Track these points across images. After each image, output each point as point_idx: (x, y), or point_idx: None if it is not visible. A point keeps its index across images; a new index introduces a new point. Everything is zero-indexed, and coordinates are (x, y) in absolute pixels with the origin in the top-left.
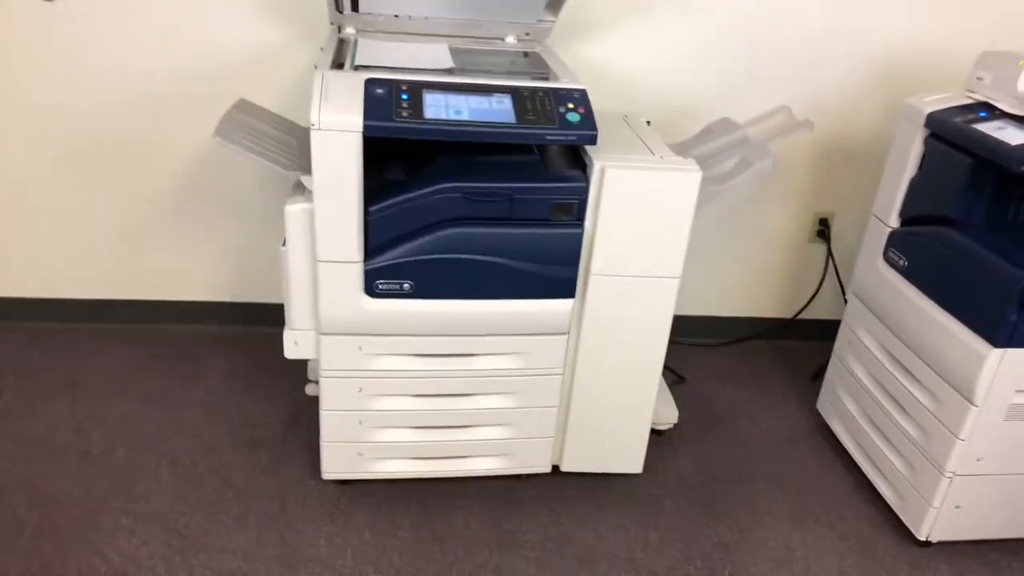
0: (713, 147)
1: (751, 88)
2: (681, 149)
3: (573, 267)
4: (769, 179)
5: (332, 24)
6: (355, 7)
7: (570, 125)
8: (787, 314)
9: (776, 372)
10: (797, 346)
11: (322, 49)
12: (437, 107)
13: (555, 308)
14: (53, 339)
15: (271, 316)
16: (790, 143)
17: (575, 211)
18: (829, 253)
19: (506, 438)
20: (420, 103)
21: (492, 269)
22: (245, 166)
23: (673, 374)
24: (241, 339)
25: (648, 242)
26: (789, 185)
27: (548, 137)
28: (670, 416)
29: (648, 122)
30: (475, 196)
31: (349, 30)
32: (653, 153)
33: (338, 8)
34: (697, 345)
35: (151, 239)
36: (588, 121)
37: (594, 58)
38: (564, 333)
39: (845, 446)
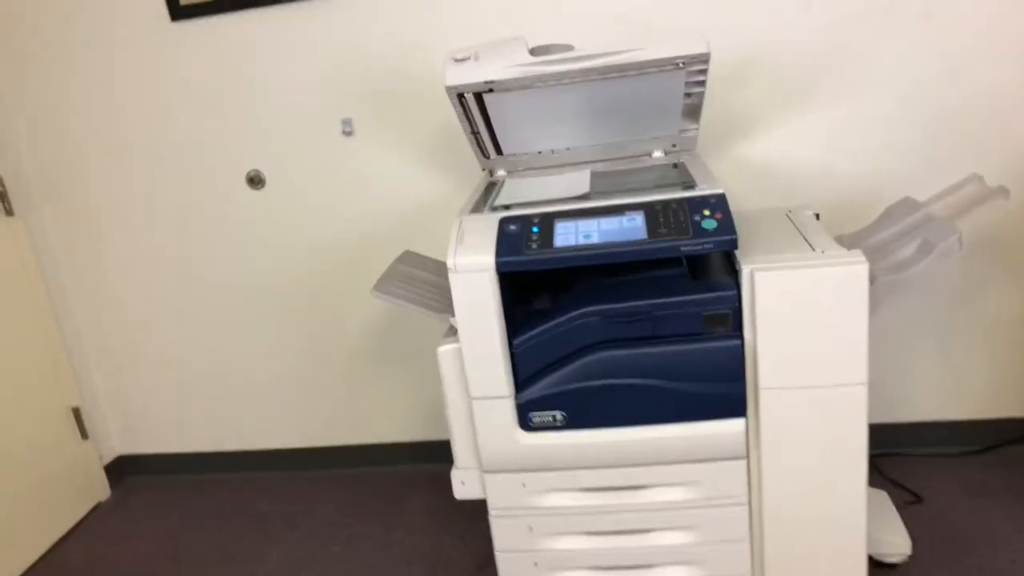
0: (894, 232)
1: (934, 161)
2: (856, 239)
3: (737, 382)
4: (993, 256)
5: (483, 170)
6: (499, 151)
7: (705, 233)
8: None
9: None
10: None
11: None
12: (567, 235)
13: (724, 429)
14: (274, 487)
15: None
16: (1005, 214)
17: (730, 321)
18: None
19: None
20: (551, 233)
21: (645, 392)
22: None
23: (907, 492)
24: (437, 477)
25: (821, 347)
26: (1018, 261)
27: (682, 248)
28: (901, 545)
29: (817, 215)
30: (614, 317)
31: (500, 172)
32: (814, 248)
33: (484, 154)
34: (935, 456)
35: (352, 388)
36: (726, 226)
37: (755, 156)
38: (741, 457)
39: None
